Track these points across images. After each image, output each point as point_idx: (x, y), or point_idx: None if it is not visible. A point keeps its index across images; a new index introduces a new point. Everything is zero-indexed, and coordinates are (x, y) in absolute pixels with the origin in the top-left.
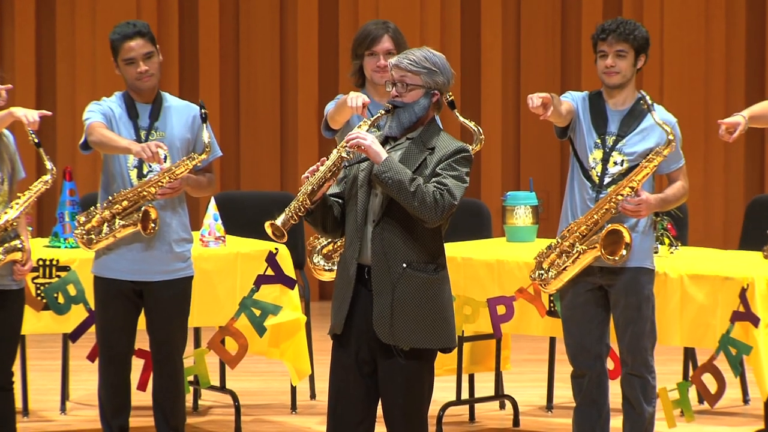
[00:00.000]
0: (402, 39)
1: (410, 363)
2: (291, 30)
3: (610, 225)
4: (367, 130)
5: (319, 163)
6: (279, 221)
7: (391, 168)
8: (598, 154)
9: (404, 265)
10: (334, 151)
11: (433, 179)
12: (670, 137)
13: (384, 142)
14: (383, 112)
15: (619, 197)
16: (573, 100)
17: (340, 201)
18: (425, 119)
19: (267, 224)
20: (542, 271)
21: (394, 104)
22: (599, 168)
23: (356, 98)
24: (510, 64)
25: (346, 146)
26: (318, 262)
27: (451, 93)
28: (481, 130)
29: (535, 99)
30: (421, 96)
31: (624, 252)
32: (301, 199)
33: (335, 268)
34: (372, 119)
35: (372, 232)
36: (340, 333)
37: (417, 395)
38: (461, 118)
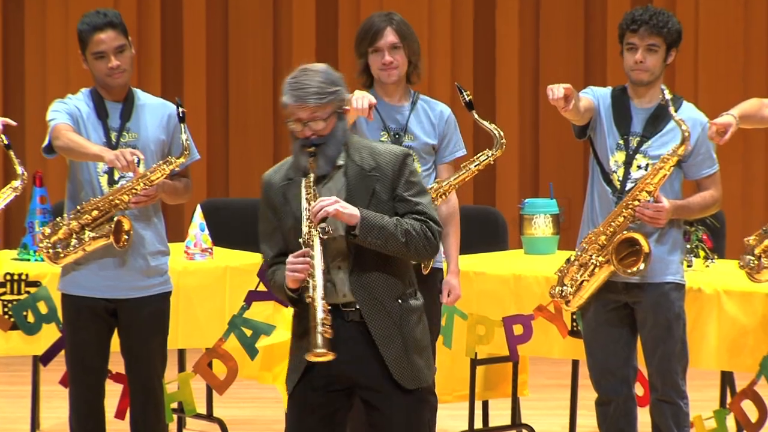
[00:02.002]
0: (408, 31)
1: (409, 400)
2: (285, 23)
3: (623, 234)
4: (313, 192)
5: (303, 260)
6: (319, 349)
7: (371, 229)
8: (620, 156)
9: (399, 301)
10: (310, 238)
11: (406, 210)
12: (686, 134)
13: (315, 182)
14: (310, 159)
15: (636, 203)
16: (594, 96)
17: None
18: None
19: (309, 357)
20: (564, 287)
21: (313, 144)
22: (621, 172)
23: (362, 99)
24: (528, 59)
25: (316, 227)
26: None
27: (469, 92)
28: (502, 134)
29: (556, 90)
30: (336, 120)
31: (642, 265)
32: (322, 308)
33: None
34: (305, 181)
35: (350, 280)
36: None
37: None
38: (480, 121)
